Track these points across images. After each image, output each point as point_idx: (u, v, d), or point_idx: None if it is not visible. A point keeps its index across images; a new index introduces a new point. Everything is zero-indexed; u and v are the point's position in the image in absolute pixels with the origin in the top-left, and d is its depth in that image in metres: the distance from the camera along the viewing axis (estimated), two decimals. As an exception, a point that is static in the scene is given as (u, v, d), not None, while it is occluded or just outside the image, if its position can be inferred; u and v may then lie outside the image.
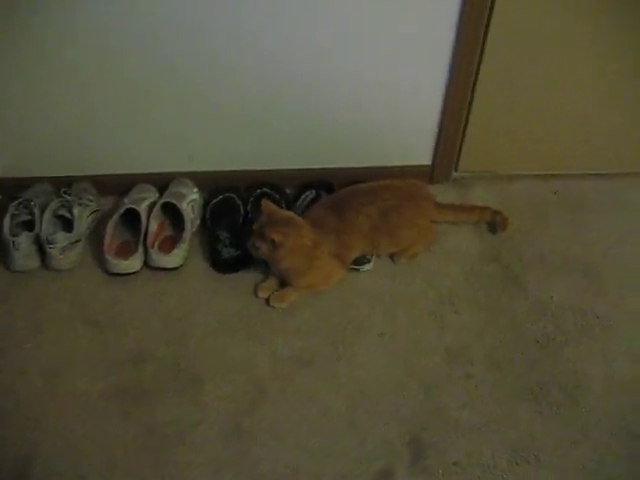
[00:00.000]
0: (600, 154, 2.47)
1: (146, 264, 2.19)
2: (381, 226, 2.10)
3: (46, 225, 2.19)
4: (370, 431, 1.83)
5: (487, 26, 2.06)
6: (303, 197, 2.34)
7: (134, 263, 2.16)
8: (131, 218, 2.24)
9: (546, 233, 2.33)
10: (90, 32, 2.01)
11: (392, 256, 2.23)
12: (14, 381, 1.94)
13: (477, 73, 2.18)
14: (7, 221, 2.19)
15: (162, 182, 2.39)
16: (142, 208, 2.24)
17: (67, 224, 2.24)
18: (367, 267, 2.20)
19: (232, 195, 2.35)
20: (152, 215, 2.23)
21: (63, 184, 2.34)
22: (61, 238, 2.16)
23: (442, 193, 2.41)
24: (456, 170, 2.49)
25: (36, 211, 2.21)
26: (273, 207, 2.03)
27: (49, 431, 1.84)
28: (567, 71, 2.21)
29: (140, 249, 2.17)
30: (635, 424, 1.84)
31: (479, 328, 2.06)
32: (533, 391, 1.91)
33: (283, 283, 2.14)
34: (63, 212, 2.25)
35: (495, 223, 2.31)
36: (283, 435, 1.82)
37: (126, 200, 2.29)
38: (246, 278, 2.18)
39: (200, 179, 2.38)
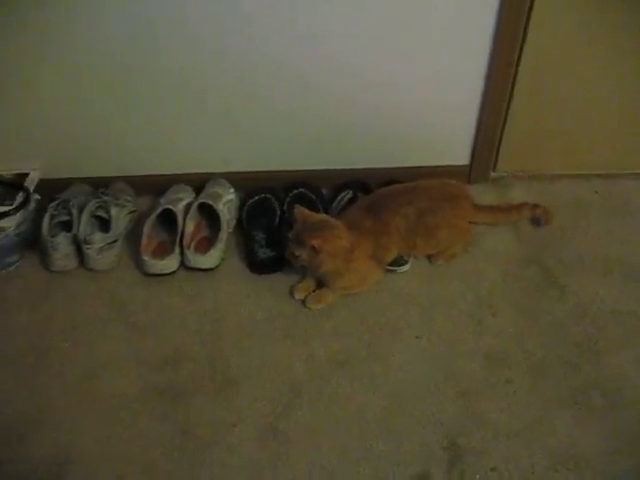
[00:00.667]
0: (643, 153, 2.43)
1: (182, 265, 2.20)
2: (418, 227, 2.08)
3: (84, 225, 2.20)
4: (407, 435, 1.81)
5: (527, 20, 2.03)
6: (340, 198, 2.33)
7: (170, 263, 2.16)
8: (168, 219, 2.25)
9: (587, 234, 2.29)
10: (129, 32, 2.03)
11: (429, 257, 2.21)
12: (51, 382, 1.95)
13: (516, 70, 2.16)
14: (46, 222, 2.21)
15: (199, 182, 2.39)
16: (179, 209, 2.25)
17: (104, 224, 2.25)
18: (404, 268, 2.18)
19: (268, 196, 2.34)
20: (188, 216, 2.23)
21: (100, 185, 2.37)
22: (98, 238, 2.17)
23: (480, 193, 2.38)
24: (494, 170, 2.46)
25: (74, 211, 2.23)
26: (306, 212, 2.01)
27: (85, 432, 1.84)
28: (610, 68, 2.18)
29: (177, 250, 2.18)
30: (679, 432, 1.80)
31: (518, 331, 2.03)
32: (573, 396, 1.87)
33: (319, 284, 2.13)
34: (101, 213, 2.26)
35: (537, 218, 2.28)
36: (319, 437, 1.81)
37: (162, 200, 2.30)
38: (282, 279, 2.18)
39: (236, 180, 2.39)
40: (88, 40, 2.05)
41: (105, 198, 2.27)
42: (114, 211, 2.24)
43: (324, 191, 2.39)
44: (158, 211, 2.23)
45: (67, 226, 2.24)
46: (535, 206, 2.26)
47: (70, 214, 2.24)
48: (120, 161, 2.40)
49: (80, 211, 2.24)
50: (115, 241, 2.23)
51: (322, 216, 2.07)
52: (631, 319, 2.04)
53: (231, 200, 2.33)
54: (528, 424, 1.82)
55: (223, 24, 2.02)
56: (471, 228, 2.23)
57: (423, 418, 1.84)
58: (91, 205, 2.24)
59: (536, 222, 2.30)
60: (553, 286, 2.14)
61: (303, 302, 2.11)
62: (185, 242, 2.19)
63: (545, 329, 2.03)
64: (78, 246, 2.20)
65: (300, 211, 2.01)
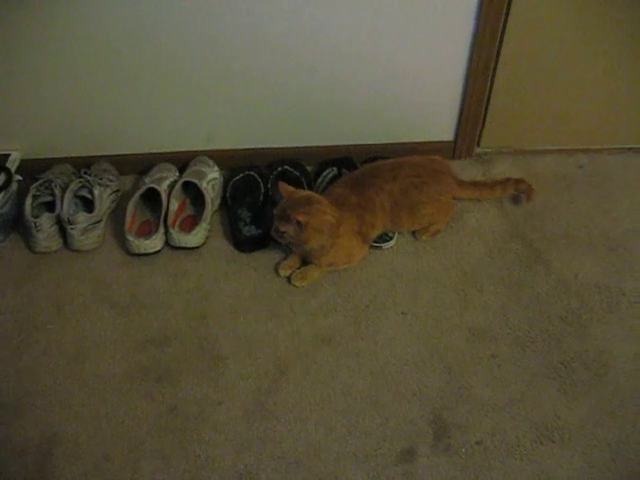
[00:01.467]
0: (627, 128, 2.43)
1: (167, 244, 2.19)
2: (402, 203, 2.08)
3: (67, 206, 2.19)
4: (393, 410, 1.82)
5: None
6: (324, 174, 2.32)
7: (155, 243, 2.15)
8: (152, 198, 2.24)
9: (571, 209, 2.30)
10: (111, 10, 2.01)
11: (414, 233, 2.22)
12: (38, 362, 1.94)
13: (500, 47, 2.15)
14: (29, 202, 2.19)
15: (182, 161, 2.38)
16: (163, 187, 2.24)
17: (88, 205, 2.24)
18: (389, 244, 2.19)
19: (253, 173, 2.33)
20: (173, 194, 2.22)
21: (83, 164, 2.34)
22: (82, 219, 2.15)
23: (465, 169, 2.39)
24: (479, 146, 2.46)
25: (57, 192, 2.21)
26: (290, 188, 2.00)
27: (73, 412, 1.84)
28: (592, 44, 2.17)
29: (161, 229, 2.17)
30: (662, 403, 1.82)
31: (503, 306, 2.04)
32: (557, 369, 1.89)
33: (305, 261, 2.13)
34: (84, 192, 2.25)
35: (520, 194, 2.29)
36: (306, 414, 1.82)
37: (146, 180, 2.29)
38: (267, 256, 2.18)
39: (220, 157, 2.37)
40: (68, 20, 2.03)
41: (88, 178, 2.25)
42: (97, 191, 2.23)
43: (308, 168, 2.39)
44: (142, 190, 2.21)
45: (50, 207, 2.22)
46: (518, 181, 2.26)
47: (53, 194, 2.22)
48: (103, 140, 2.38)
49: (63, 191, 2.22)
50: (99, 221, 2.21)
51: (306, 192, 2.06)
52: (614, 292, 2.06)
53: (215, 178, 2.31)
54: (513, 398, 1.84)
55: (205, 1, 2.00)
56: (454, 204, 2.23)
57: (409, 393, 1.85)
58: (74, 185, 2.22)
59: (517, 199, 2.30)
60: (537, 261, 2.15)
61: (289, 279, 2.11)
62: (170, 221, 2.18)
63: (529, 303, 2.04)
64: (61, 227, 2.19)
65: (284, 187, 2.00)
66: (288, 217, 1.93)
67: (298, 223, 1.92)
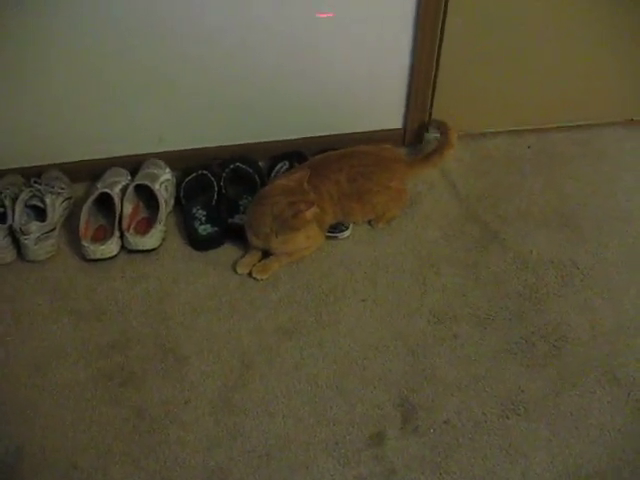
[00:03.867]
0: (572, 106, 2.49)
1: (123, 248, 2.17)
2: (351, 192, 2.10)
3: (18, 216, 2.15)
4: (359, 396, 1.83)
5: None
6: (277, 169, 2.33)
7: (111, 247, 2.13)
8: (105, 203, 2.21)
9: (523, 188, 2.34)
10: (57, 19, 1.99)
11: (370, 222, 2.23)
12: (-1, 375, 1.93)
13: (442, 32, 2.18)
14: (-21, 215, 2.15)
15: (134, 165, 2.36)
16: (115, 192, 2.21)
17: (40, 214, 2.21)
18: (345, 234, 2.20)
19: (205, 172, 2.33)
20: (125, 198, 2.20)
21: (33, 174, 2.30)
22: (35, 228, 2.12)
23: (415, 155, 2.40)
24: (428, 131, 2.48)
25: (7, 203, 2.17)
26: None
27: (38, 423, 1.82)
28: (533, 24, 2.21)
29: (116, 233, 2.15)
30: (619, 369, 1.86)
31: (461, 287, 2.07)
32: (519, 345, 1.92)
33: (263, 257, 2.13)
34: (35, 202, 2.21)
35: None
36: (273, 406, 1.82)
37: (99, 185, 2.27)
38: (224, 254, 2.17)
39: (172, 159, 2.36)
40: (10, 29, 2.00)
41: (38, 187, 2.21)
42: (49, 199, 2.19)
43: (261, 164, 2.38)
44: (94, 196, 2.19)
45: (1, 218, 2.18)
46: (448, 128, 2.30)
47: (3, 205, 2.18)
48: (51, 149, 2.34)
49: (13, 202, 2.18)
50: (52, 230, 2.18)
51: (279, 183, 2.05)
52: (569, 266, 2.10)
53: (168, 179, 2.30)
54: (477, 375, 1.87)
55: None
56: (407, 190, 2.25)
57: (374, 379, 1.87)
58: (24, 195, 2.19)
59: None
60: (493, 241, 2.18)
61: (249, 275, 2.11)
62: (124, 225, 2.16)
63: (487, 282, 2.07)
64: (15, 238, 2.15)
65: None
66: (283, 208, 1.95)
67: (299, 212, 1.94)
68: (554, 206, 2.27)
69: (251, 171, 2.31)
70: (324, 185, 2.07)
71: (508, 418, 1.78)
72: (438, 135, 2.38)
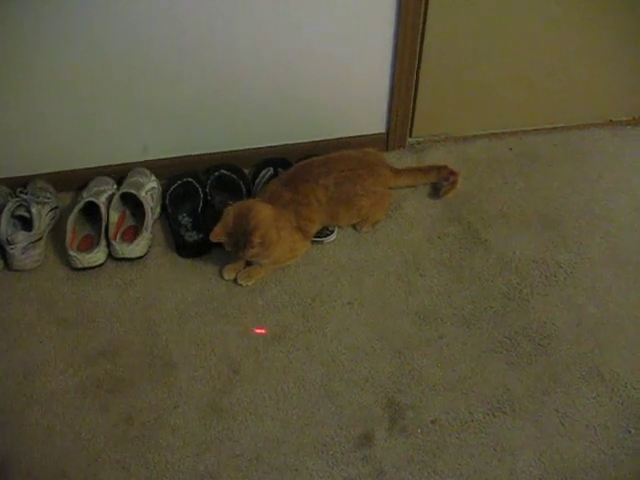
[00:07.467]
0: (552, 108, 2.50)
1: (110, 256, 2.19)
2: (338, 196, 2.11)
3: (5, 226, 2.16)
4: (347, 398, 1.85)
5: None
6: (262, 175, 2.35)
7: (98, 256, 2.15)
8: (91, 212, 2.23)
9: (504, 189, 2.36)
10: (40, 32, 1.99)
11: (354, 226, 2.25)
12: (-14, 385, 1.93)
13: (422, 37, 2.19)
14: (-36, 226, 2.16)
15: (119, 174, 2.37)
16: (101, 201, 2.22)
17: (26, 224, 2.21)
18: (330, 238, 2.21)
19: (190, 180, 2.34)
20: (112, 206, 2.22)
21: (19, 184, 2.31)
22: (21, 238, 2.13)
23: (399, 159, 2.44)
24: (411, 136, 2.50)
25: (-7, 213, 2.19)
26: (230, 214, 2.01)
27: (27, 431, 1.83)
28: (514, 28, 2.23)
29: (103, 242, 2.16)
30: (603, 366, 1.88)
31: (446, 288, 2.09)
32: (504, 344, 1.94)
33: (249, 263, 2.14)
34: (21, 212, 2.22)
35: (443, 183, 2.33)
36: (261, 410, 1.84)
37: (84, 194, 2.28)
38: (211, 261, 2.18)
39: (157, 167, 2.37)
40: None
41: (24, 197, 2.22)
42: (35, 209, 2.20)
43: (245, 171, 2.40)
44: (80, 205, 2.20)
45: (-13, 229, 2.19)
46: (452, 173, 2.30)
47: (-11, 216, 2.19)
48: (37, 159, 2.35)
49: (0, 212, 2.20)
50: (39, 239, 2.19)
51: (239, 206, 2.04)
52: (551, 265, 2.12)
53: (153, 188, 2.31)
54: (463, 375, 1.88)
55: (133, 10, 1.99)
56: (391, 193, 2.27)
57: (361, 380, 1.88)
58: (11, 205, 2.19)
59: (437, 190, 2.35)
60: (476, 242, 2.20)
61: (235, 280, 2.12)
62: (111, 233, 2.18)
63: (472, 283, 2.09)
64: (1, 247, 2.17)
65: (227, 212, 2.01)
66: (250, 242, 1.95)
67: (260, 243, 1.96)
68: (536, 207, 2.29)
69: (236, 178, 2.33)
70: (313, 193, 2.08)
71: (495, 417, 1.80)
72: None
